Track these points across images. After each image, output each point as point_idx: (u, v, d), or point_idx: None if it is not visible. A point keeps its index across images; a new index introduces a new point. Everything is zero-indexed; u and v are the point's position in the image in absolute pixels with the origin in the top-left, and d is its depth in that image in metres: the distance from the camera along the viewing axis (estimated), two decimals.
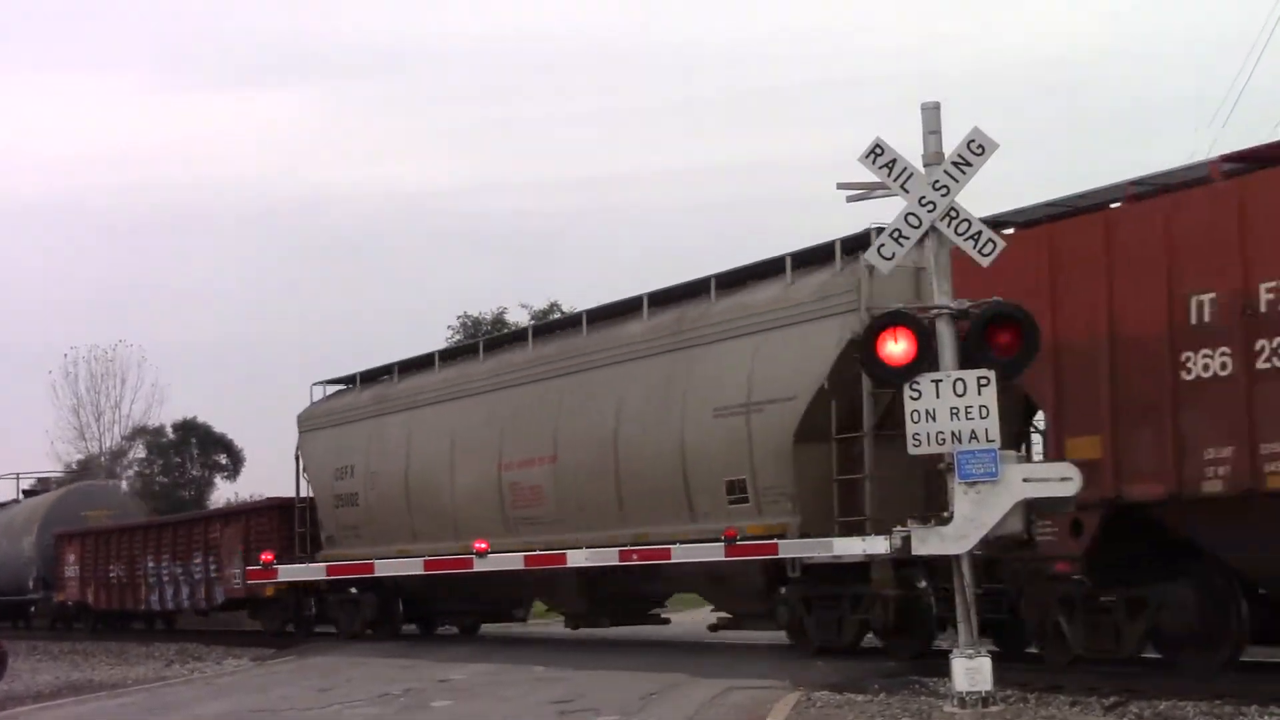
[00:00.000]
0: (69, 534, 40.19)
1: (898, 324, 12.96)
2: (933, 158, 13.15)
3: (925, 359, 12.85)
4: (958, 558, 12.82)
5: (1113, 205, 15.28)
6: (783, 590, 18.84)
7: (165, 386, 64.71)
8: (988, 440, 12.61)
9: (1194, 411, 14.02)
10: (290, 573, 20.75)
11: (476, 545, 15.39)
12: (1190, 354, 14.06)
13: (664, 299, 21.48)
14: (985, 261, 13.21)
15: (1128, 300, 14.58)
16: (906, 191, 13.12)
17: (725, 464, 19.03)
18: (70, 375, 63.85)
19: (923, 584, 17.09)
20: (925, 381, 12.79)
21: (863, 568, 17.24)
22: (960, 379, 12.74)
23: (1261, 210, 13.69)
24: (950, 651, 12.97)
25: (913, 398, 12.81)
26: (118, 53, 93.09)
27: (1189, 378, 14.04)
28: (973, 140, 13.05)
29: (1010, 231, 15.70)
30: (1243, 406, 13.59)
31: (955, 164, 13.03)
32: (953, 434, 12.66)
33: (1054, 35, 79.11)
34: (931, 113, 13.28)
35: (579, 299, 58.00)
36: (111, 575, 37.92)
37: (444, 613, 28.33)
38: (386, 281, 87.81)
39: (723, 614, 20.66)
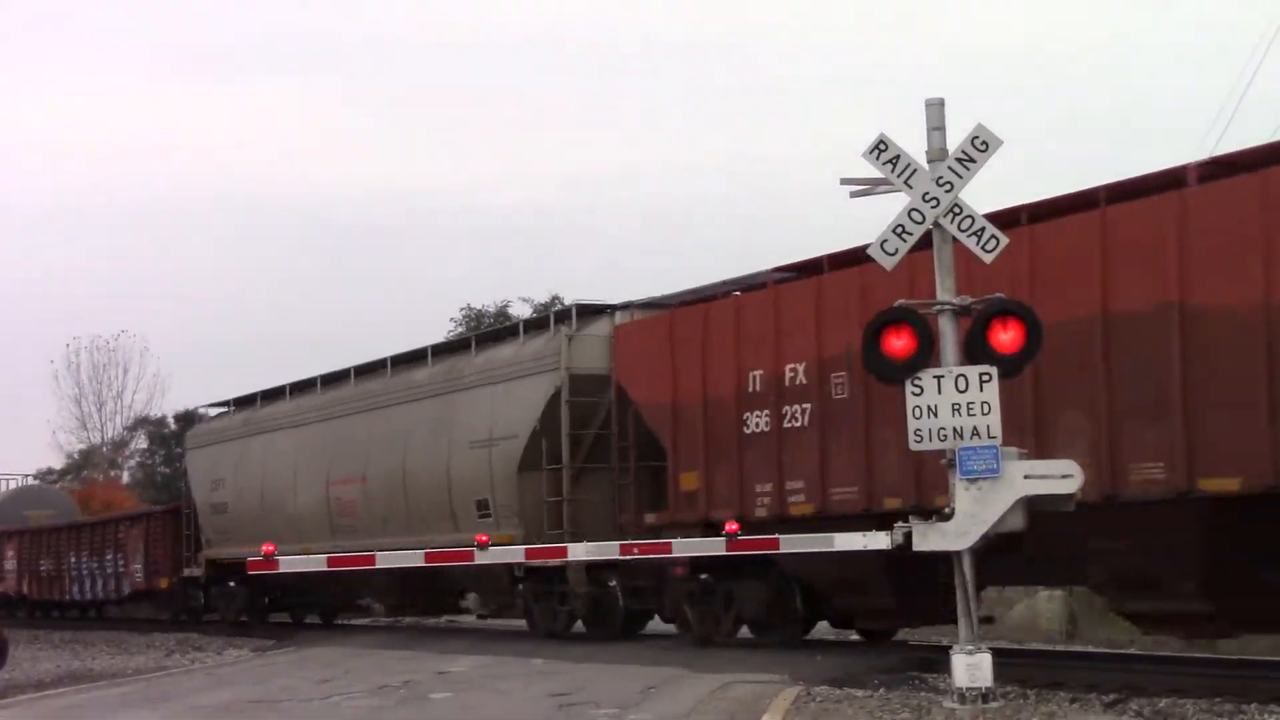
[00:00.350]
0: (9, 532, 43.95)
1: (900, 320, 12.95)
2: (936, 154, 13.13)
3: (927, 355, 12.84)
4: (959, 554, 12.82)
5: (712, 299, 20.49)
6: (520, 587, 23.43)
7: (167, 377, 64.89)
8: (989, 437, 12.60)
9: (750, 456, 18.96)
10: (289, 564, 21.60)
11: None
12: (748, 414, 19.01)
13: (444, 350, 26.78)
14: (988, 258, 13.19)
15: (714, 372, 19.57)
16: (910, 187, 13.10)
17: (475, 487, 23.72)
18: (72, 365, 64.10)
19: (612, 583, 21.91)
20: (927, 377, 12.79)
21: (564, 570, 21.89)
22: (962, 375, 12.72)
23: (789, 311, 18.59)
24: (950, 648, 12.99)
25: (914, 394, 12.80)
26: (120, 46, 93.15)
27: (748, 432, 19.00)
28: (977, 136, 13.03)
29: (655, 314, 21.83)
30: (775, 454, 18.52)
31: (959, 160, 13.01)
32: (954, 430, 12.65)
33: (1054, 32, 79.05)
34: (935, 108, 13.25)
35: (582, 291, 58.19)
36: (42, 569, 42.03)
37: (308, 604, 32.91)
38: (389, 274, 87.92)
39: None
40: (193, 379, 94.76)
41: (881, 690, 14.63)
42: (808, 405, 18.17)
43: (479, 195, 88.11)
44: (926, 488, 15.90)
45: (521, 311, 50.73)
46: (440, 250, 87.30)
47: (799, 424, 18.33)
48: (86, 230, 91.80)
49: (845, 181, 13.40)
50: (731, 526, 15.40)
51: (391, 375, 27.29)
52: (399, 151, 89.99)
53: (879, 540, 14.21)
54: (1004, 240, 13.14)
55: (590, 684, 16.25)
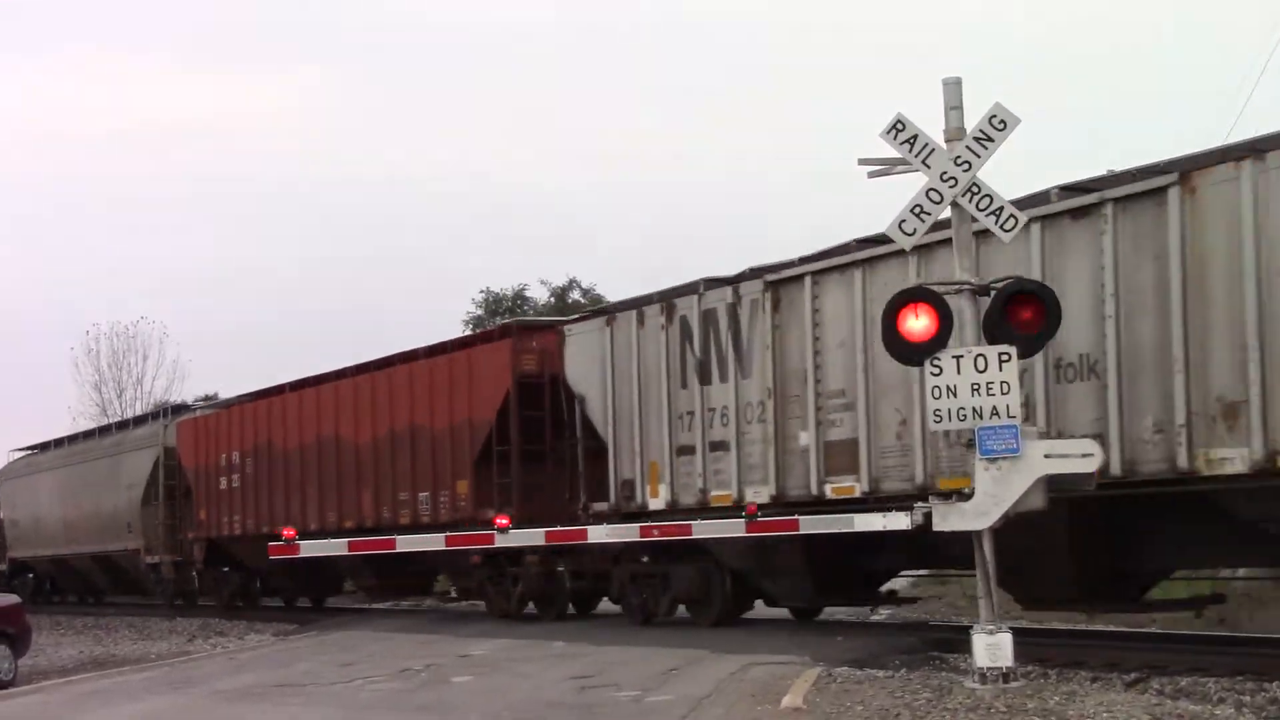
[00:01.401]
0: None
1: (919, 300, 12.93)
2: (954, 133, 13.11)
3: (945, 335, 12.83)
4: (978, 534, 12.82)
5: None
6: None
7: (186, 363, 65.05)
8: (1009, 416, 12.59)
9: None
10: (310, 548, 23.15)
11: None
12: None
13: (116, 427, 42.06)
14: (1007, 238, 13.21)
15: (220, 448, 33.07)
16: (928, 167, 13.08)
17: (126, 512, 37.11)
18: (92, 351, 64.19)
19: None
20: (946, 357, 12.78)
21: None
22: (981, 355, 12.72)
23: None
24: (971, 628, 13.00)
25: (934, 374, 12.79)
26: (141, 31, 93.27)
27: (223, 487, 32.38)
28: (995, 115, 13.01)
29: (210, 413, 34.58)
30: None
31: (977, 139, 13.00)
32: (974, 410, 12.65)
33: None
34: (953, 88, 13.22)
35: (599, 277, 58.13)
36: None
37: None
38: (409, 257, 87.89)
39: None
40: (212, 365, 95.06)
41: (903, 671, 14.62)
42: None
43: (497, 178, 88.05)
44: None
45: (539, 295, 50.85)
46: (460, 234, 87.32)
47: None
48: (106, 216, 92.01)
49: (863, 162, 13.38)
50: (751, 508, 15.55)
51: (100, 438, 41.00)
52: (419, 135, 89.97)
53: (899, 521, 14.25)
54: (1023, 219, 13.15)
55: (611, 666, 16.27)
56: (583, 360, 22.06)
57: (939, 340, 12.82)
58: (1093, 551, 15.91)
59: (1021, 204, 13.99)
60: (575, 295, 49.30)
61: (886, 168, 13.35)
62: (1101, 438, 14.09)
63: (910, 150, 13.11)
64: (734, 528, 17.38)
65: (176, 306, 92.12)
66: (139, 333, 63.66)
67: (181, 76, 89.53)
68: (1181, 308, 13.94)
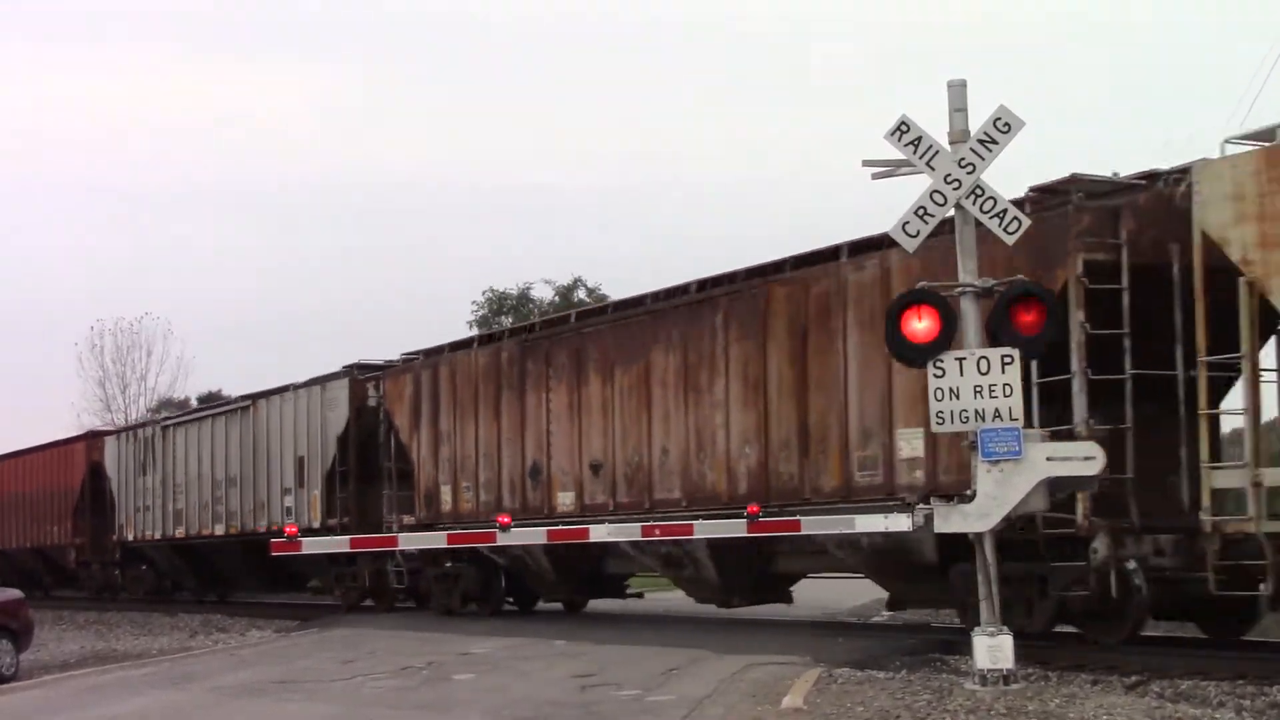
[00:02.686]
0: None
1: (922, 302, 12.94)
2: (958, 135, 13.11)
3: (948, 337, 12.83)
4: (980, 536, 12.83)
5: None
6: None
7: (190, 359, 65.11)
8: (1011, 418, 12.59)
9: None
10: (312, 545, 23.87)
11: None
12: None
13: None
14: (1010, 239, 13.21)
15: None
16: (932, 169, 13.08)
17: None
18: (96, 347, 64.30)
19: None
20: (949, 359, 12.78)
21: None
22: (984, 357, 12.73)
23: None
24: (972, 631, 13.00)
25: (936, 376, 12.80)
26: (145, 24, 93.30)
27: None
28: (999, 118, 13.01)
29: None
30: None
31: (981, 141, 13.00)
32: (976, 412, 12.65)
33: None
34: (958, 90, 13.22)
35: (602, 274, 58.14)
36: None
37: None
38: (414, 255, 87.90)
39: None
40: (216, 361, 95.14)
41: (903, 672, 14.63)
42: None
43: (501, 176, 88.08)
44: None
45: (544, 294, 50.79)
46: (464, 231, 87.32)
47: None
48: (110, 212, 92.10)
49: (867, 163, 13.38)
50: (752, 508, 15.58)
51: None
52: (425, 132, 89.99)
53: (901, 522, 14.24)
54: (1026, 222, 13.15)
55: (612, 665, 16.28)
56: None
57: (942, 342, 12.82)
58: None
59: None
60: (580, 294, 49.20)
61: (891, 169, 13.36)
62: None
63: (915, 152, 13.12)
64: (735, 528, 17.22)
65: (180, 301, 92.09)
66: (143, 329, 63.79)
67: (186, 71, 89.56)
68: None
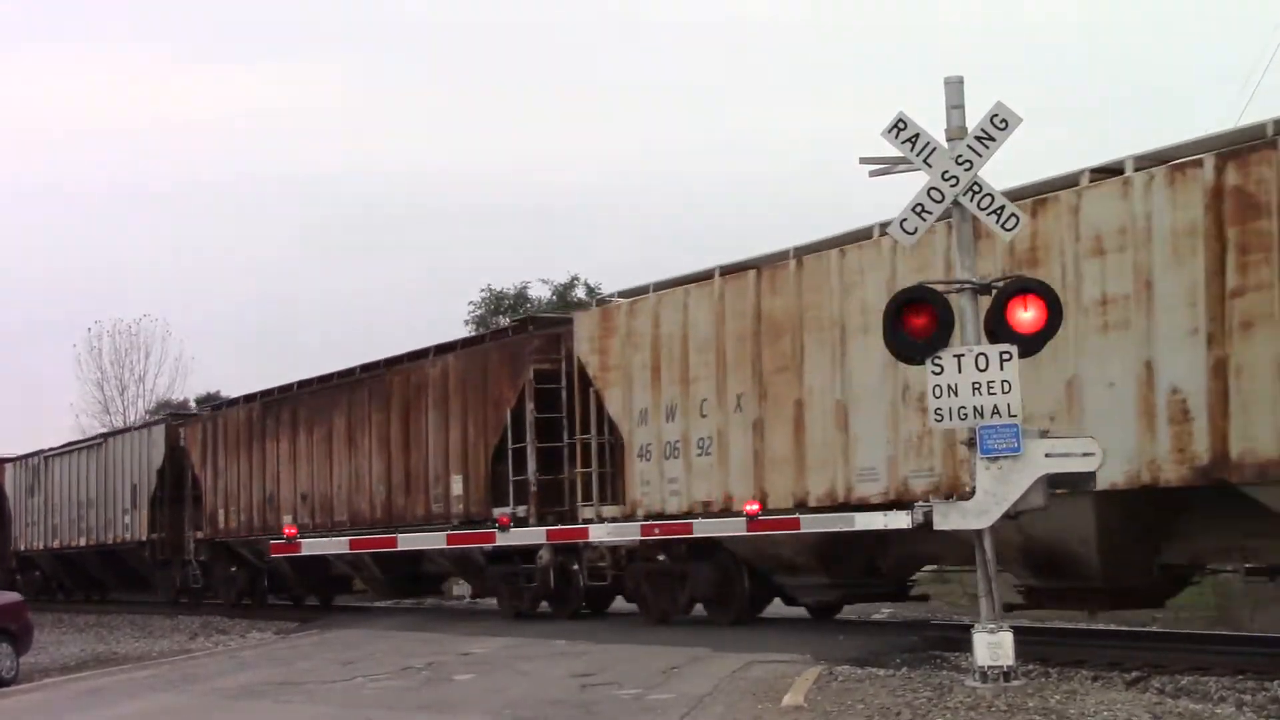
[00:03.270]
0: None
1: (920, 300, 12.93)
2: (956, 132, 13.10)
3: (946, 334, 12.82)
4: (979, 533, 12.83)
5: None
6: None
7: (189, 360, 65.20)
8: (1009, 415, 12.58)
9: None
10: (310, 546, 23.55)
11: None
12: None
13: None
14: (1007, 236, 13.21)
15: None
16: (929, 166, 13.07)
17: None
18: (94, 349, 64.47)
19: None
20: (947, 356, 12.77)
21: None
22: (982, 353, 12.72)
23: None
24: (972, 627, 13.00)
25: (935, 372, 12.79)
26: (143, 29, 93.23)
27: None
28: (996, 114, 12.99)
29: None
30: None
31: (978, 138, 12.98)
32: (974, 409, 12.64)
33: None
34: (955, 87, 13.21)
35: (601, 274, 58.16)
36: None
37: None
38: (411, 255, 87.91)
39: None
40: (215, 362, 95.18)
41: (904, 669, 14.63)
42: None
43: (505, 171, 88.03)
44: None
45: (541, 293, 50.88)
46: (462, 231, 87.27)
47: None
48: (109, 213, 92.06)
49: (864, 161, 13.37)
50: (752, 508, 15.55)
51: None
52: (424, 133, 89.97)
53: (899, 520, 14.23)
54: (1024, 218, 13.14)
55: (613, 664, 16.28)
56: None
57: (940, 339, 12.81)
58: None
59: None
60: (579, 293, 49.21)
61: (888, 166, 13.34)
62: None
63: (912, 149, 13.10)
64: (735, 526, 17.19)
65: (178, 303, 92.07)
66: (141, 330, 63.88)
67: (182, 71, 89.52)
68: None
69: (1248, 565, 15.31)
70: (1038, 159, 16.63)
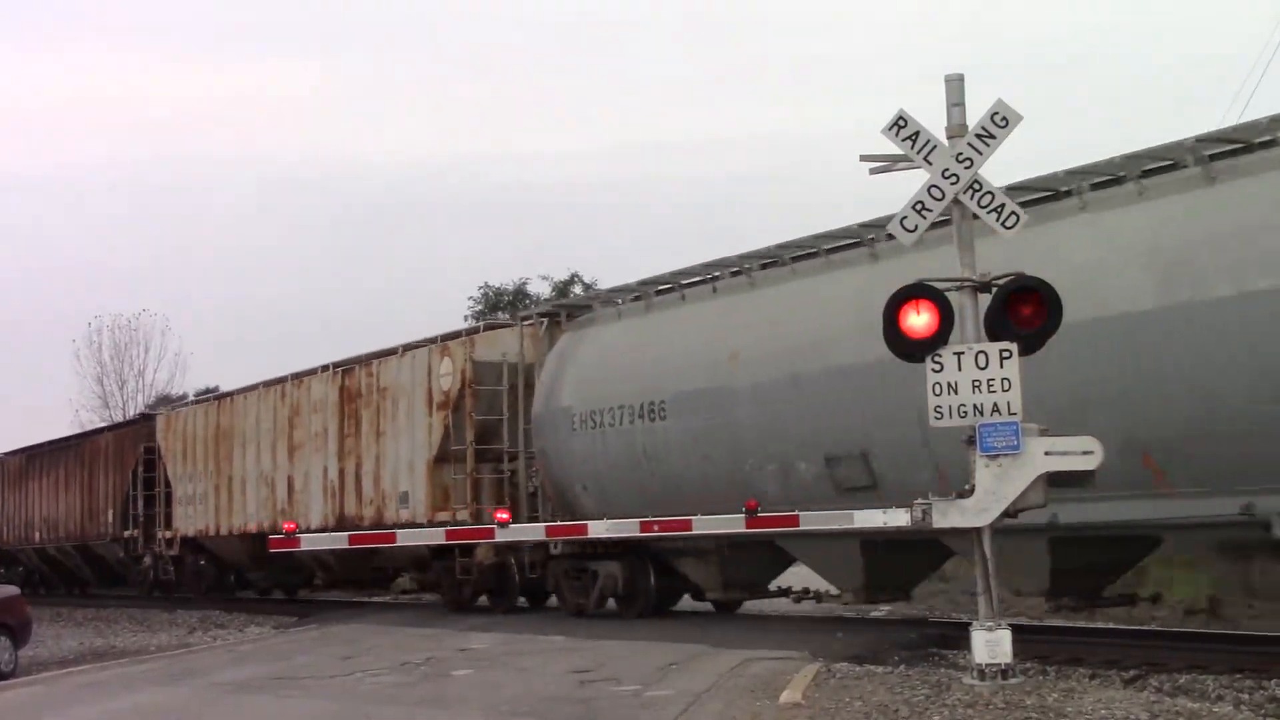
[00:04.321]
0: None
1: (920, 296, 12.91)
2: (956, 130, 13.09)
3: (946, 331, 12.81)
4: (978, 531, 12.83)
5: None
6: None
7: (188, 355, 65.29)
8: (1010, 413, 12.58)
9: None
10: (311, 541, 23.81)
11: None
12: None
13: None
14: (1008, 234, 13.19)
15: None
16: (929, 164, 13.07)
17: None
18: (94, 344, 64.63)
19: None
20: (947, 354, 12.76)
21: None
22: (982, 351, 12.71)
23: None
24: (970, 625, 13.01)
25: (935, 370, 12.78)
26: (148, 23, 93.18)
27: None
28: (996, 112, 12.99)
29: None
30: None
31: (979, 136, 12.97)
32: (974, 407, 12.63)
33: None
34: (955, 84, 13.20)
35: (599, 270, 58.09)
36: None
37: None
38: (409, 251, 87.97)
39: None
40: (213, 357, 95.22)
41: (902, 667, 14.63)
42: None
43: (502, 167, 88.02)
44: None
45: (541, 290, 50.90)
46: (461, 227, 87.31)
47: None
48: (108, 207, 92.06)
49: (865, 158, 13.36)
50: (751, 504, 15.57)
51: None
52: (421, 127, 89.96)
53: (898, 518, 14.23)
54: (1024, 216, 13.13)
55: (611, 661, 16.29)
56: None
57: (940, 337, 12.80)
58: None
59: None
60: (577, 289, 49.24)
61: (888, 164, 13.34)
62: None
63: (912, 147, 13.09)
64: (734, 523, 17.28)
65: (177, 297, 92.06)
66: (141, 325, 63.93)
67: (180, 66, 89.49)
68: None
69: None
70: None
